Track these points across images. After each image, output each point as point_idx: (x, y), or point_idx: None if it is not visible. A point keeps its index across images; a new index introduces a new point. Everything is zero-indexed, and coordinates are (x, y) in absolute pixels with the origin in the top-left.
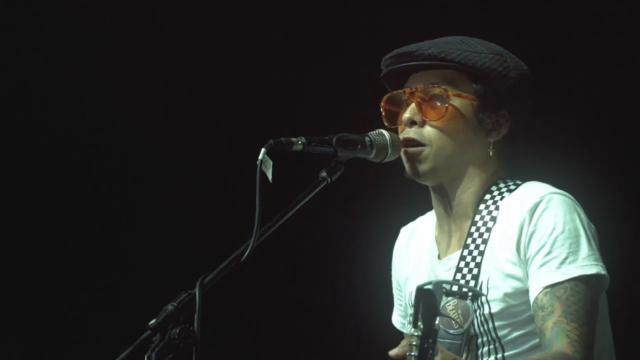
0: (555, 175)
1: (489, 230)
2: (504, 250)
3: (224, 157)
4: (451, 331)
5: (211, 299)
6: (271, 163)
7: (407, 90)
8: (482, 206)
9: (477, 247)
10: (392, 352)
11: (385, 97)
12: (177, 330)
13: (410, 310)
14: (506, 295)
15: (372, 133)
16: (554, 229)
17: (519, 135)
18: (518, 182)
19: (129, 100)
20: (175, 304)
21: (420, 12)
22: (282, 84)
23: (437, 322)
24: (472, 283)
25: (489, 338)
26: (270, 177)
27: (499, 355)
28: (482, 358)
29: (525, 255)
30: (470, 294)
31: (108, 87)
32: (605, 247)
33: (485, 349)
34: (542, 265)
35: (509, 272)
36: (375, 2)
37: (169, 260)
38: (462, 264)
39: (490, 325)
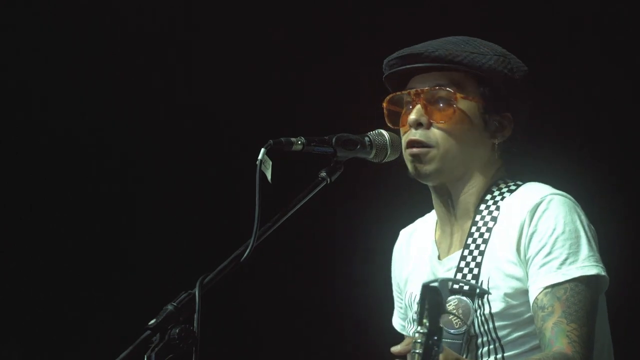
0: (555, 175)
1: (489, 230)
2: (504, 250)
3: (224, 157)
4: (452, 331)
5: (211, 299)
6: (271, 163)
7: (412, 91)
8: (482, 206)
9: (477, 247)
10: (395, 349)
11: (387, 98)
12: (177, 330)
13: (410, 312)
14: (506, 295)
15: (372, 133)
16: (554, 229)
17: (520, 135)
18: (518, 182)
19: (129, 100)
20: (175, 304)
21: (420, 12)
22: (282, 84)
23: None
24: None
25: (489, 338)
26: (270, 177)
27: (499, 356)
28: (482, 358)
29: (525, 256)
30: (476, 291)
31: (108, 87)
32: (604, 248)
33: (485, 349)
34: (542, 266)
35: (509, 272)
36: (375, 2)
37: (169, 260)
38: (462, 263)
39: (491, 326)
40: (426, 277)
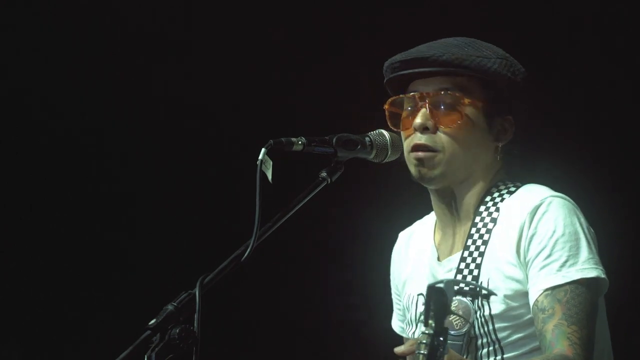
0: (554, 176)
1: (489, 231)
2: (504, 252)
3: (224, 157)
4: (452, 332)
5: (211, 299)
6: (271, 163)
7: (417, 94)
8: (482, 208)
9: (477, 248)
10: (399, 349)
11: (390, 100)
12: (177, 330)
13: (409, 314)
14: (506, 297)
15: (372, 133)
16: (554, 231)
17: (520, 137)
18: (518, 183)
19: (129, 100)
20: (175, 304)
21: (420, 12)
22: (282, 84)
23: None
24: None
25: (489, 340)
26: (270, 177)
27: (499, 357)
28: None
29: (525, 258)
30: (482, 292)
31: (108, 87)
32: (604, 250)
33: (485, 350)
34: (542, 268)
35: (509, 274)
36: (375, 2)
37: (169, 260)
38: (462, 265)
39: (491, 327)
40: (425, 279)
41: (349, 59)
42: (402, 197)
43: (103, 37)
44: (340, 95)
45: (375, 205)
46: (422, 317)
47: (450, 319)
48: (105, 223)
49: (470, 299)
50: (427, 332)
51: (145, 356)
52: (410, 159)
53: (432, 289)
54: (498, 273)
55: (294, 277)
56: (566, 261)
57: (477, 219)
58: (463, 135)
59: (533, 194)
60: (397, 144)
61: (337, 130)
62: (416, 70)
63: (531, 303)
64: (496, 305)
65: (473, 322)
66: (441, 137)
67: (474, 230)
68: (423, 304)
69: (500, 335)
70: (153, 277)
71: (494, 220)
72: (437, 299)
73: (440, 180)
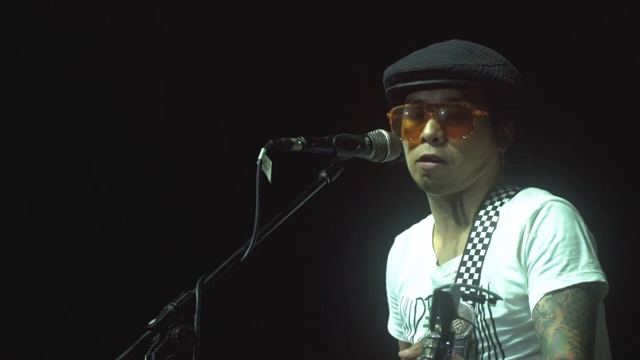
0: (553, 177)
1: (489, 235)
2: (504, 256)
3: (224, 157)
4: None
5: (211, 299)
6: (271, 163)
7: (424, 104)
8: (482, 212)
9: (477, 252)
10: (403, 354)
11: (394, 109)
12: (177, 330)
13: (406, 318)
14: (507, 300)
15: (372, 133)
16: (554, 236)
17: (518, 139)
18: (517, 187)
19: (129, 100)
20: (175, 304)
21: (420, 12)
22: (282, 84)
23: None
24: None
25: (490, 343)
26: (270, 177)
27: None
28: None
29: (525, 262)
30: (488, 297)
31: (108, 87)
32: (603, 251)
33: (486, 354)
34: (542, 272)
35: (509, 278)
36: (375, 2)
37: (169, 260)
38: (462, 269)
39: (492, 331)
40: (424, 283)
41: (349, 59)
42: (401, 197)
43: (103, 37)
44: (340, 95)
45: (375, 205)
46: (428, 321)
47: (468, 320)
48: (105, 223)
49: (471, 302)
50: (433, 336)
51: (145, 356)
52: (417, 168)
53: (438, 293)
54: (499, 277)
55: (294, 277)
56: (567, 265)
57: (477, 223)
58: (472, 145)
59: (533, 198)
60: (396, 144)
61: (336, 130)
62: (426, 82)
63: (531, 307)
64: (497, 309)
65: (474, 326)
66: (450, 149)
67: (474, 234)
68: (429, 308)
69: (501, 339)
70: (153, 277)
71: (493, 225)
72: (443, 303)
73: (447, 190)
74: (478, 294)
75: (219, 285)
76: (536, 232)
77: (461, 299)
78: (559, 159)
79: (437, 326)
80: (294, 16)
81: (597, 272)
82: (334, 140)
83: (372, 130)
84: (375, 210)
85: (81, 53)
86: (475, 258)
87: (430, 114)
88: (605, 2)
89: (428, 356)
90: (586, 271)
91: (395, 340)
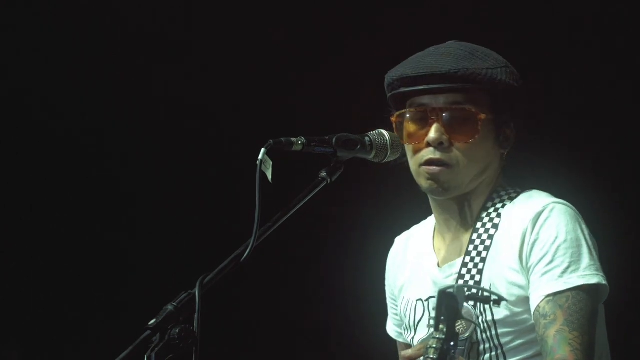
0: (553, 176)
1: (490, 237)
2: (506, 258)
3: (224, 157)
4: None
5: (211, 299)
6: (271, 163)
7: (428, 108)
8: (484, 214)
9: (479, 253)
10: (406, 353)
11: (398, 113)
12: (177, 330)
13: (406, 319)
14: (509, 302)
15: (372, 133)
16: (556, 237)
17: (519, 140)
18: (518, 189)
19: (129, 100)
20: (175, 304)
21: (420, 12)
22: (282, 84)
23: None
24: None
25: (492, 345)
26: (270, 177)
27: None
28: None
29: (527, 264)
30: (492, 298)
31: (108, 87)
32: (603, 251)
33: (488, 355)
34: (544, 274)
35: (511, 280)
36: (375, 2)
37: (169, 260)
38: (464, 270)
39: (493, 332)
40: (424, 285)
41: (349, 59)
42: (402, 196)
43: (103, 37)
44: (340, 95)
45: (375, 205)
46: (432, 322)
47: (472, 320)
48: (105, 223)
49: (473, 304)
50: (437, 336)
51: (145, 356)
52: (421, 172)
53: (443, 293)
54: (500, 279)
55: (294, 277)
56: (568, 267)
57: (479, 224)
58: (477, 149)
59: (535, 200)
60: (396, 144)
61: (337, 130)
62: (430, 86)
63: (532, 309)
64: (499, 311)
65: (475, 328)
66: (455, 153)
67: (475, 236)
68: (429, 310)
69: (503, 340)
70: (153, 277)
71: (495, 226)
72: (448, 304)
73: (451, 193)
74: (482, 294)
75: (219, 285)
76: (538, 234)
77: (470, 301)
78: (559, 159)
79: (441, 326)
80: (294, 16)
81: (598, 275)
82: (334, 140)
83: (372, 130)
84: (375, 210)
85: (81, 53)
86: (477, 259)
87: (435, 118)
88: (605, 2)
89: (432, 356)
90: (587, 273)
91: (394, 341)
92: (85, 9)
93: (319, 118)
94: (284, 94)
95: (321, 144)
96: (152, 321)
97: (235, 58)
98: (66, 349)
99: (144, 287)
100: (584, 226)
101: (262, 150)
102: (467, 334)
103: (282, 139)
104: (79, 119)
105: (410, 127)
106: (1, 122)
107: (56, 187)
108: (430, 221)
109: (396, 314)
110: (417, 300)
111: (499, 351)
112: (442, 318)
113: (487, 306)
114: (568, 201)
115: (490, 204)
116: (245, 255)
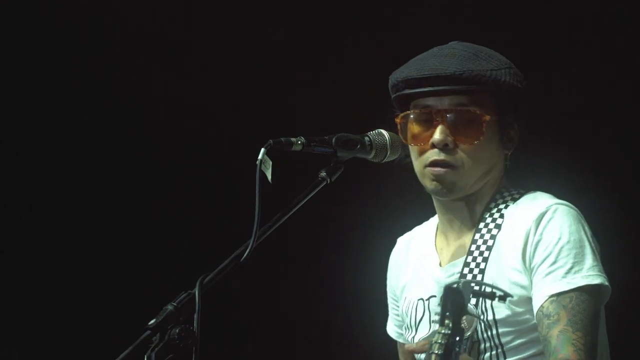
0: (553, 176)
1: (493, 237)
2: (509, 258)
3: (224, 157)
4: None
5: (211, 299)
6: (271, 163)
7: (433, 110)
8: (486, 214)
9: (481, 253)
10: (410, 346)
11: (402, 114)
12: (177, 330)
13: (407, 319)
14: (511, 302)
15: (372, 133)
16: (559, 238)
17: (522, 141)
18: (521, 191)
19: (129, 100)
20: (175, 304)
21: (420, 12)
22: (282, 84)
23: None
24: None
25: (492, 344)
26: (269, 177)
27: None
28: None
29: (530, 264)
30: (497, 294)
31: (108, 87)
32: (603, 254)
33: (488, 354)
34: (547, 274)
35: (513, 280)
36: (375, 2)
37: (169, 260)
38: (466, 269)
39: (494, 332)
40: (426, 284)
41: (348, 59)
42: (402, 196)
43: (103, 37)
44: (340, 95)
45: (376, 205)
46: (437, 317)
47: (477, 315)
48: (105, 223)
49: (474, 304)
50: (442, 331)
51: (145, 356)
52: (426, 173)
53: (449, 289)
54: (503, 278)
55: (294, 277)
56: (571, 268)
57: (481, 225)
58: (482, 151)
59: (538, 201)
60: (396, 144)
61: (337, 130)
62: (435, 88)
63: (535, 309)
64: (500, 310)
65: (476, 327)
66: (460, 154)
67: (477, 236)
68: (438, 304)
69: (504, 339)
70: (153, 277)
71: (498, 227)
72: (454, 299)
73: (456, 194)
74: (488, 290)
75: (219, 285)
76: (541, 234)
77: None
78: (559, 159)
79: (446, 321)
80: (294, 16)
81: (601, 276)
82: (334, 140)
83: (372, 130)
84: (375, 210)
85: (81, 53)
86: (479, 259)
87: (439, 119)
88: (605, 2)
89: (436, 351)
90: (590, 274)
91: (394, 342)
92: (85, 9)
93: (319, 118)
94: (284, 94)
95: (321, 144)
96: (152, 321)
97: (235, 58)
98: (66, 349)
99: (144, 287)
100: (586, 228)
101: (262, 150)
102: (469, 333)
103: (282, 139)
104: (79, 119)
105: (414, 128)
106: (1, 122)
107: (56, 187)
108: (432, 222)
109: (397, 315)
110: (418, 300)
111: (499, 350)
112: (448, 313)
113: (488, 306)
114: (568, 201)
115: (493, 204)
116: (245, 255)
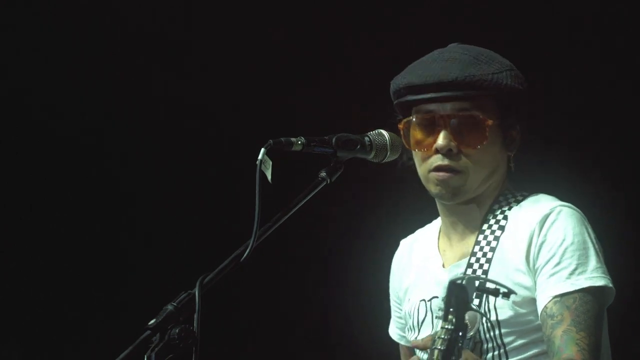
0: (552, 176)
1: (496, 238)
2: (512, 259)
3: (224, 157)
4: None
5: (211, 299)
6: (271, 163)
7: (435, 115)
8: (490, 216)
9: (484, 254)
10: (414, 342)
11: (405, 120)
12: (177, 330)
13: (410, 321)
14: (514, 303)
15: (372, 133)
16: (563, 240)
17: (524, 142)
18: (524, 192)
19: (129, 100)
20: (175, 304)
21: (420, 12)
22: (282, 84)
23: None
24: None
25: (494, 344)
26: (269, 177)
27: None
28: None
29: (534, 265)
30: (501, 291)
31: (108, 87)
32: (604, 255)
33: (490, 355)
34: (551, 275)
35: (517, 281)
36: (375, 2)
37: (169, 260)
38: (469, 271)
39: (497, 332)
40: (429, 286)
41: (348, 59)
42: (402, 196)
43: (103, 37)
44: (340, 95)
45: (376, 205)
46: (441, 313)
47: (480, 312)
48: (105, 223)
49: (478, 303)
50: (446, 326)
51: (145, 356)
52: (430, 178)
53: (453, 284)
54: (506, 280)
55: (294, 277)
56: (575, 269)
57: (485, 226)
58: (485, 155)
59: (542, 203)
60: (396, 144)
61: (337, 130)
62: (438, 94)
63: (539, 309)
64: (503, 311)
65: (479, 327)
66: (464, 159)
67: (481, 237)
68: (442, 300)
69: (506, 340)
70: (153, 277)
71: (501, 228)
72: (457, 294)
73: (460, 198)
74: (492, 286)
75: (219, 285)
76: (545, 236)
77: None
78: (559, 159)
79: (450, 317)
80: (294, 16)
81: (604, 277)
82: (334, 140)
83: (372, 130)
84: (376, 211)
85: (81, 53)
86: (483, 260)
87: (442, 125)
88: (605, 2)
89: (439, 347)
90: (594, 275)
91: (394, 342)
92: (85, 9)
93: (319, 118)
94: (284, 94)
95: (321, 144)
96: (152, 321)
97: (235, 58)
98: (66, 349)
99: (144, 287)
100: (590, 230)
101: (262, 150)
102: (471, 333)
103: (282, 139)
104: (79, 119)
105: (417, 134)
106: (1, 122)
107: (56, 187)
108: (435, 224)
109: (400, 317)
110: (420, 301)
111: (501, 350)
112: (452, 309)
113: (491, 307)
114: (569, 202)
115: (496, 206)
116: (245, 255)
